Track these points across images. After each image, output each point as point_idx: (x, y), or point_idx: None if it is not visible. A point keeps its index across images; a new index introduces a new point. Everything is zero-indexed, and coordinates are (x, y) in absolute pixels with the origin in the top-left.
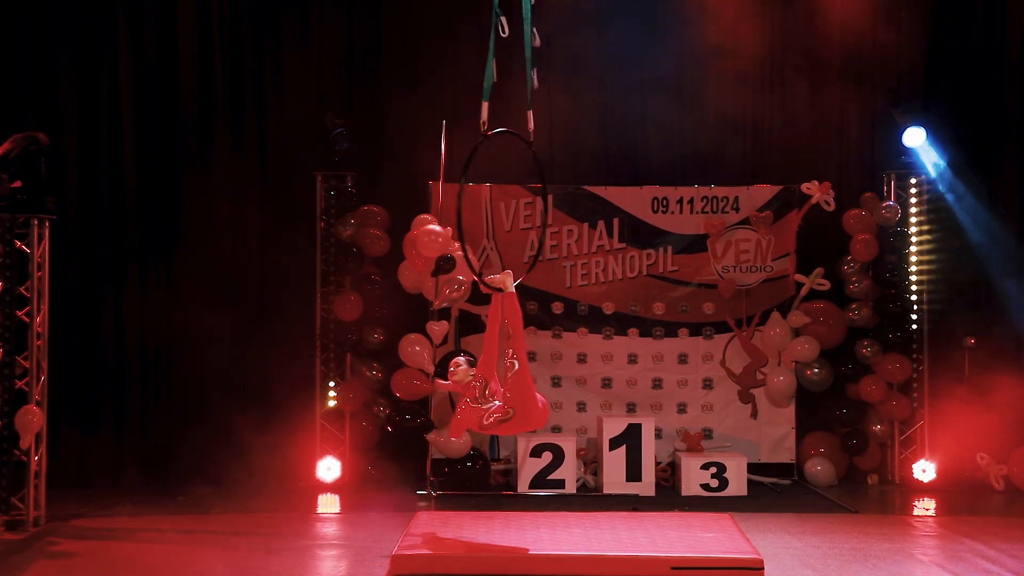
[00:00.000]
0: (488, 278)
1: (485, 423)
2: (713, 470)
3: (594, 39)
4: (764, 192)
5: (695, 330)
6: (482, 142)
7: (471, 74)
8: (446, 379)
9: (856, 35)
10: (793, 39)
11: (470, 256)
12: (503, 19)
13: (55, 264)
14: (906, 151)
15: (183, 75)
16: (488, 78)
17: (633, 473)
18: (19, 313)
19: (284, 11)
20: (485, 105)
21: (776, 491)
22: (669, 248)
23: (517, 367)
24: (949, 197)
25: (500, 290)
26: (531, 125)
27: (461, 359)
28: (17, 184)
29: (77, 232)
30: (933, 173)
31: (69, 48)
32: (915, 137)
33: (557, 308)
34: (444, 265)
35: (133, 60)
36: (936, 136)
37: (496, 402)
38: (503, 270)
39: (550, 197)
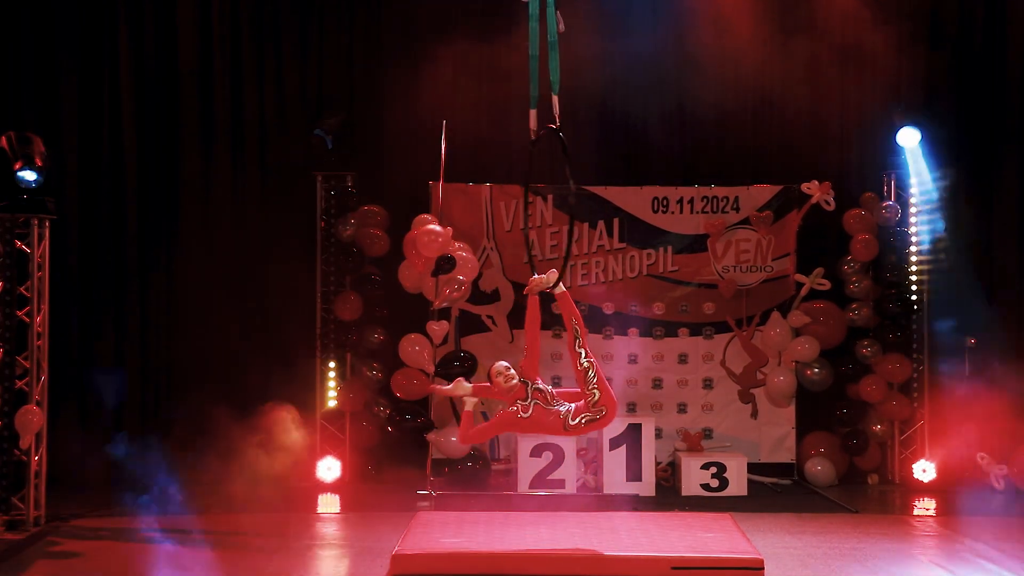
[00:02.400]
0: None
1: (572, 424)
2: (713, 470)
3: (593, 40)
4: (764, 192)
5: (695, 330)
6: (535, 148)
7: (471, 74)
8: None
9: (856, 34)
10: (794, 37)
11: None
12: (558, 14)
13: (55, 264)
14: (898, 149)
15: (183, 74)
16: (534, 84)
17: (633, 473)
18: (19, 313)
19: (284, 11)
20: (533, 113)
21: (776, 491)
22: (669, 248)
23: (595, 366)
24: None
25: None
26: (556, 109)
27: (503, 365)
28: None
29: (77, 232)
30: (915, 177)
31: (69, 48)
32: (909, 138)
33: (557, 308)
34: (444, 265)
35: (133, 59)
36: (933, 143)
37: (568, 404)
38: (502, 270)
39: (550, 197)
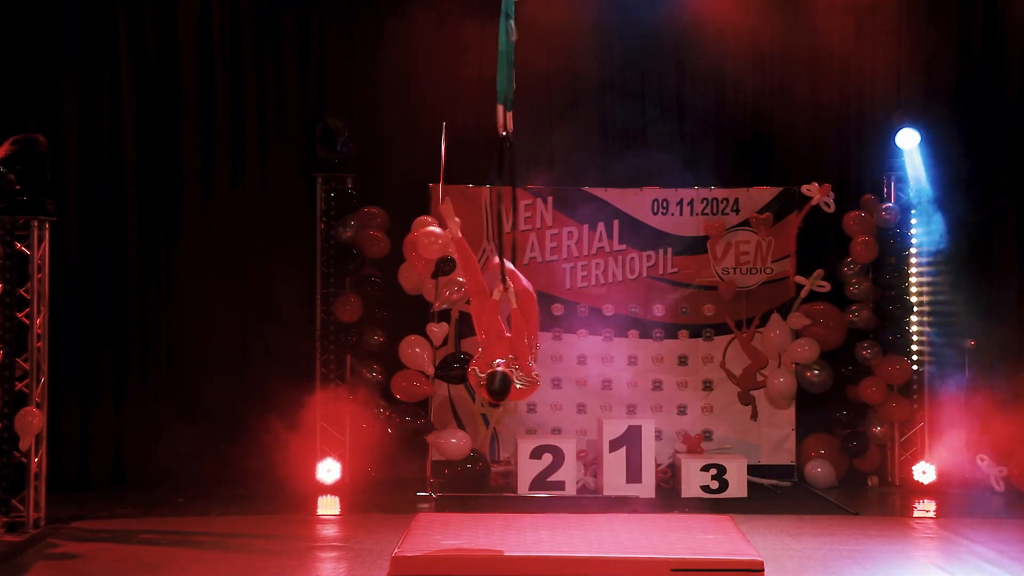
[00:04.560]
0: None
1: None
2: (713, 472)
3: (593, 41)
4: (764, 194)
5: (695, 332)
6: (509, 147)
7: (471, 76)
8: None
9: (856, 36)
10: (794, 40)
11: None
12: (511, 23)
13: (55, 266)
14: (898, 151)
15: (183, 76)
16: (501, 81)
17: (633, 475)
18: (19, 315)
19: (284, 13)
20: (500, 108)
21: (776, 493)
22: (669, 250)
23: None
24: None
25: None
26: (510, 125)
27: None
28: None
29: (77, 233)
30: (912, 180)
31: (69, 49)
32: (909, 139)
33: (557, 310)
34: (444, 267)
35: (133, 61)
36: (932, 144)
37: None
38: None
39: (550, 199)
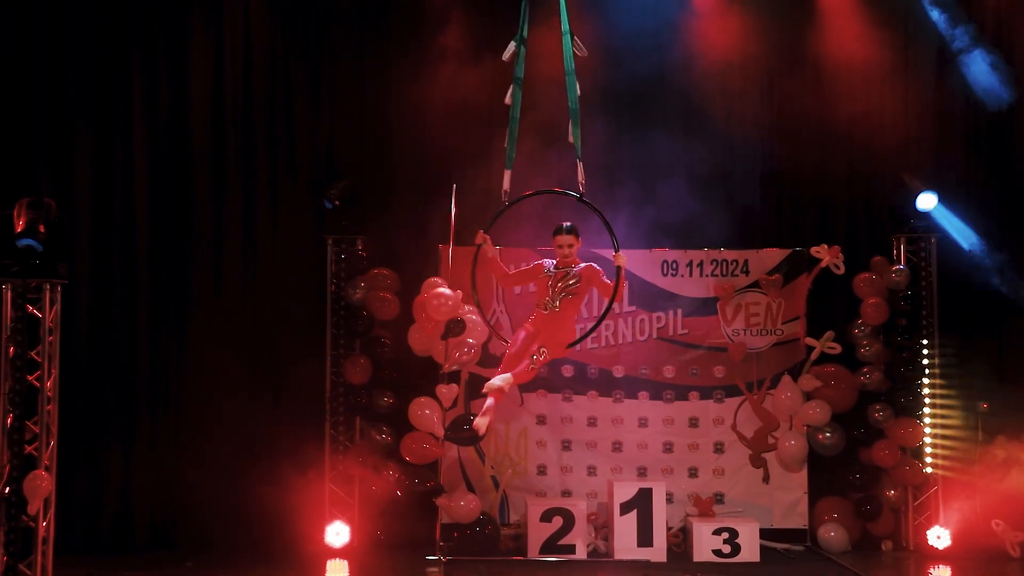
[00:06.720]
0: None
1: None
2: (725, 535)
3: (599, 102)
4: (773, 255)
5: (706, 393)
6: (505, 209)
7: (482, 138)
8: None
9: (865, 97)
10: (802, 101)
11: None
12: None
13: (66, 328)
14: (919, 215)
15: (195, 140)
16: (511, 145)
17: (644, 538)
18: (30, 378)
19: (295, 75)
20: (508, 173)
21: (789, 557)
22: (679, 311)
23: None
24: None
25: None
26: (581, 177)
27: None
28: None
29: (89, 296)
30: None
31: (83, 115)
32: (927, 201)
33: (567, 371)
34: (454, 328)
35: (146, 125)
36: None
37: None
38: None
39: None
